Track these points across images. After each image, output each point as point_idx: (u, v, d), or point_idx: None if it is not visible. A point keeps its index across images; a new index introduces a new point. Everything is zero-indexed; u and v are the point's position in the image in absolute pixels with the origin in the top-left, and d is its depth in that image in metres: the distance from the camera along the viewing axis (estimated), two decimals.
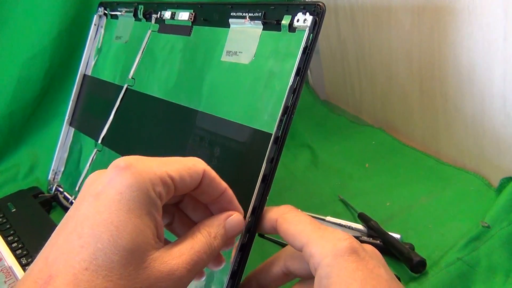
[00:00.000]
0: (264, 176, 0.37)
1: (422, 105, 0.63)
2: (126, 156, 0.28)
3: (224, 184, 0.33)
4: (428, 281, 0.41)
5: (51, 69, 0.75)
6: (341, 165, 0.66)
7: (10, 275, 0.49)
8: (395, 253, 0.45)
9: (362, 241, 0.48)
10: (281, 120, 0.38)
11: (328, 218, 0.52)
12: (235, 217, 0.33)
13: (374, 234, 0.48)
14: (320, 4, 0.38)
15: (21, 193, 0.69)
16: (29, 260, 0.52)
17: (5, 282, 0.48)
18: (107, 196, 0.26)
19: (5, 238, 0.56)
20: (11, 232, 0.58)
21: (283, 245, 0.51)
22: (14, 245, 0.55)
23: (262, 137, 0.39)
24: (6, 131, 0.76)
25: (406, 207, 0.53)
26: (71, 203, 0.65)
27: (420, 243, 0.46)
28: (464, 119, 0.57)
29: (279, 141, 0.38)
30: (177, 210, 0.35)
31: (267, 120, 0.40)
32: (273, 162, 0.37)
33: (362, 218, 0.51)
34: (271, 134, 0.38)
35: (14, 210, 0.64)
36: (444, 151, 0.62)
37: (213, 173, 0.32)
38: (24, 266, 0.51)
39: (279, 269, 0.36)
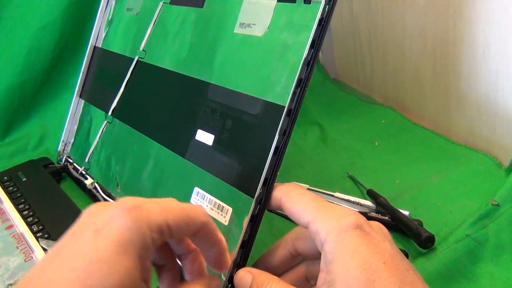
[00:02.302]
0: (276, 148, 0.37)
1: (435, 83, 0.62)
2: (133, 198, 0.28)
3: (220, 237, 0.33)
4: (436, 256, 0.41)
5: (61, 40, 0.74)
6: (350, 142, 0.66)
7: (22, 241, 0.50)
8: (403, 229, 0.45)
9: (370, 217, 0.48)
10: (294, 93, 0.37)
11: (337, 194, 0.53)
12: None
13: (383, 211, 0.49)
14: None
15: (32, 163, 0.69)
16: (40, 227, 0.52)
17: (17, 247, 0.49)
18: (107, 234, 0.26)
19: (16, 206, 0.57)
20: (22, 200, 0.59)
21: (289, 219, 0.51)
22: (25, 212, 0.56)
23: (274, 109, 0.39)
24: (16, 102, 0.76)
25: (416, 185, 0.53)
26: (81, 174, 0.65)
27: (428, 220, 0.47)
28: (477, 98, 0.56)
29: (292, 113, 0.37)
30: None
31: (280, 93, 0.39)
32: (286, 135, 0.37)
33: (371, 194, 0.51)
34: (284, 106, 0.38)
35: (25, 179, 0.64)
36: (455, 130, 0.62)
37: (212, 226, 0.32)
38: (35, 233, 0.51)
39: (287, 250, 0.36)
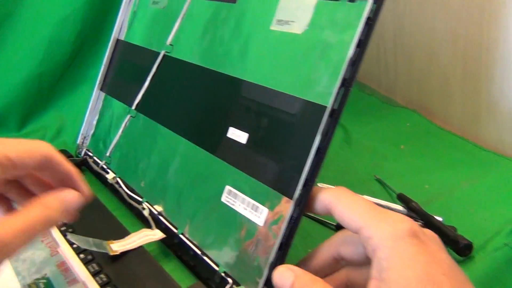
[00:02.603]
0: (317, 149, 0.36)
1: (464, 87, 0.61)
2: None
3: (70, 168, 0.34)
4: (474, 265, 0.40)
5: (82, 31, 0.73)
6: (374, 145, 0.65)
7: (46, 234, 0.49)
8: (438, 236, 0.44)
9: None
10: (338, 93, 0.36)
11: (365, 197, 0.52)
12: (72, 192, 0.33)
13: (415, 216, 0.48)
14: None
15: None
16: (66, 227, 0.52)
17: (41, 241, 0.48)
18: None
19: None
20: None
21: (323, 222, 0.50)
22: None
23: (315, 109, 0.38)
24: (35, 92, 0.75)
25: (446, 190, 0.52)
26: (102, 168, 0.64)
27: (462, 227, 0.46)
28: (509, 103, 0.55)
29: (335, 114, 0.37)
30: (16, 185, 0.35)
31: (321, 92, 0.38)
32: (327, 135, 0.37)
33: (402, 199, 0.50)
34: (325, 106, 0.37)
35: None
36: (484, 136, 0.61)
37: (58, 157, 0.33)
38: (59, 227, 0.50)
39: (330, 254, 0.35)
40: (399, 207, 0.50)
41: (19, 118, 0.77)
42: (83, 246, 0.45)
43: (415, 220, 0.47)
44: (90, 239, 0.46)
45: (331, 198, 0.33)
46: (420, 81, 0.69)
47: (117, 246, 0.45)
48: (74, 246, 0.47)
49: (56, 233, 0.49)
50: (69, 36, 0.73)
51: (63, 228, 0.50)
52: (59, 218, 0.32)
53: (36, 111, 0.78)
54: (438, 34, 0.63)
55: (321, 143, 0.36)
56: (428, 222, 0.46)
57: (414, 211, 0.47)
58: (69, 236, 0.46)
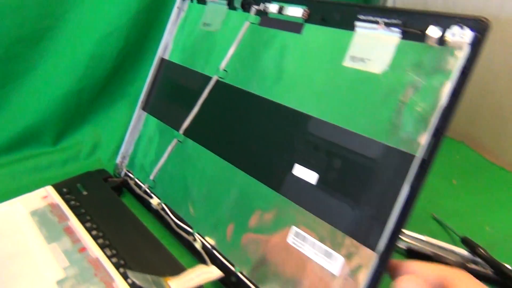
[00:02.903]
0: (405, 200, 0.35)
1: None
2: None
3: None
4: None
5: (124, 48, 0.72)
6: None
7: (99, 268, 0.47)
8: (510, 286, 0.42)
9: (469, 270, 0.45)
10: (429, 143, 0.35)
11: (426, 239, 0.50)
12: None
13: (480, 262, 0.46)
14: (483, 20, 0.35)
15: (90, 175, 0.67)
16: (113, 252, 0.50)
17: (95, 274, 0.46)
18: None
19: (83, 225, 0.55)
20: (87, 218, 0.56)
21: None
22: (94, 233, 0.53)
23: (401, 157, 0.37)
24: (73, 108, 0.74)
25: (510, 234, 0.51)
26: (145, 192, 0.63)
27: None
28: None
29: (425, 164, 0.35)
30: None
31: (406, 139, 0.37)
32: (417, 186, 0.35)
33: (467, 243, 0.48)
34: (413, 155, 0.35)
35: (86, 193, 0.62)
36: None
37: None
38: (110, 258, 0.49)
39: None
40: (463, 251, 0.48)
41: (55, 133, 0.75)
42: (142, 284, 0.43)
43: (483, 268, 0.45)
44: (148, 276, 0.44)
45: (451, 277, 0.31)
46: (471, 113, 0.68)
47: (176, 285, 0.43)
48: (129, 280, 0.46)
49: (107, 265, 0.47)
50: (111, 52, 0.71)
51: (114, 260, 0.49)
52: None
53: (72, 127, 0.76)
54: (494, 67, 0.61)
55: (410, 194, 0.35)
56: (498, 270, 0.44)
57: (482, 258, 0.46)
58: (128, 273, 0.45)
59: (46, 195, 0.61)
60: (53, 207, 0.58)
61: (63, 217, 0.56)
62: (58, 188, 0.63)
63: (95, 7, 0.69)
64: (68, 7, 0.69)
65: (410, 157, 0.36)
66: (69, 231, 0.54)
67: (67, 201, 0.60)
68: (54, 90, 0.72)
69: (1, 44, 0.67)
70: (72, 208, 0.58)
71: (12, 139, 0.72)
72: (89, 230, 0.54)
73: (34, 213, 0.57)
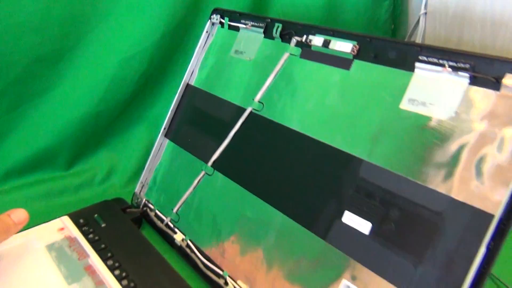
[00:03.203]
0: (482, 263, 0.32)
1: None
2: None
3: None
4: None
5: (147, 71, 0.69)
6: None
7: None
8: None
9: None
10: (508, 202, 0.32)
11: None
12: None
13: None
14: None
15: (107, 205, 0.63)
16: None
17: None
18: None
19: (105, 263, 0.51)
20: (109, 255, 0.53)
21: None
22: (116, 272, 0.50)
23: (472, 213, 0.34)
24: (89, 132, 0.70)
25: None
26: (167, 226, 0.59)
27: None
28: None
29: (505, 226, 0.32)
30: None
31: (479, 194, 0.34)
32: (495, 249, 0.32)
33: None
34: (491, 214, 0.33)
35: (104, 225, 0.58)
36: None
37: None
38: None
39: None
40: None
41: (69, 157, 0.72)
42: None
43: None
44: None
45: None
46: None
47: None
48: None
49: None
50: (133, 76, 0.68)
51: (124, 283, 0.45)
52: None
53: (87, 151, 0.73)
54: None
55: (487, 257, 0.32)
56: None
57: None
58: None
59: (63, 227, 0.57)
60: (71, 241, 0.55)
61: (83, 254, 0.52)
62: (74, 218, 0.59)
63: (119, 28, 0.66)
64: (91, 28, 0.66)
65: (486, 215, 0.33)
66: (90, 270, 0.50)
67: (85, 234, 0.56)
68: (71, 112, 0.68)
69: (19, 64, 0.64)
70: (91, 242, 0.54)
71: (24, 162, 0.69)
72: (111, 269, 0.50)
73: (51, 248, 0.53)
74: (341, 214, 0.42)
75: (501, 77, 0.35)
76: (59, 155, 0.71)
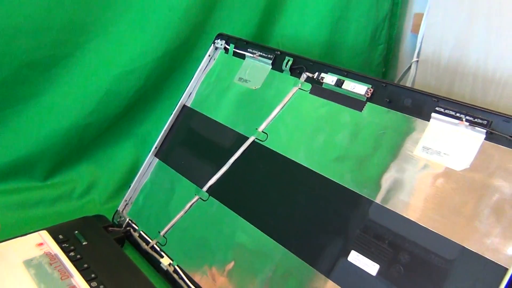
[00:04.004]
0: None
1: None
2: None
3: None
4: None
5: (142, 88, 0.68)
6: None
7: None
8: None
9: None
10: None
11: None
12: None
13: None
14: None
15: (88, 222, 0.61)
16: None
17: None
18: None
19: (88, 283, 0.48)
20: (92, 275, 0.50)
21: None
22: None
23: (484, 264, 0.35)
24: (74, 143, 0.68)
25: None
26: (153, 248, 0.57)
27: None
28: None
29: None
30: None
31: (491, 246, 0.35)
32: None
33: None
34: (502, 266, 0.34)
35: (86, 243, 0.56)
36: None
37: None
38: None
39: None
40: None
41: (49, 167, 0.69)
42: None
43: None
44: None
45: None
46: None
47: None
48: None
49: None
50: (128, 91, 0.67)
51: None
52: None
53: (69, 162, 0.70)
54: None
55: None
56: None
57: None
58: None
59: (42, 242, 0.54)
60: (52, 258, 0.52)
61: (65, 273, 0.50)
62: (53, 234, 0.56)
63: (120, 42, 0.65)
64: (90, 38, 0.64)
65: (499, 268, 0.34)
66: None
67: (66, 252, 0.53)
68: (57, 121, 0.66)
69: (7, 66, 0.61)
70: (73, 261, 0.52)
71: (1, 169, 0.65)
72: None
73: (29, 264, 0.50)
74: (347, 253, 0.42)
75: None
76: (38, 165, 0.68)
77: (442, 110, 0.41)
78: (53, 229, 0.57)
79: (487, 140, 0.39)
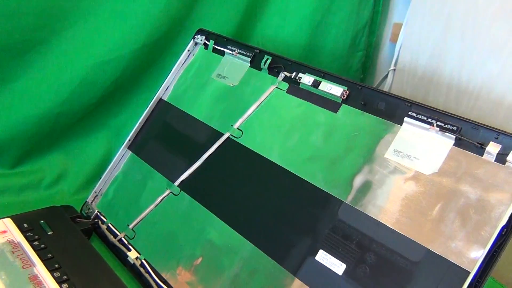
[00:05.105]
0: None
1: None
2: None
3: None
4: None
5: (119, 80, 0.66)
6: None
7: None
8: None
9: None
10: (484, 261, 0.34)
11: None
12: None
13: None
14: None
15: (55, 212, 0.59)
16: None
17: None
18: None
19: (52, 274, 0.47)
20: (56, 266, 0.49)
21: None
22: (64, 286, 0.46)
23: (450, 269, 0.35)
24: (45, 132, 0.66)
25: None
26: (120, 241, 0.56)
27: None
28: None
29: (478, 282, 0.34)
30: None
31: (454, 250, 0.36)
32: None
33: None
34: (467, 271, 0.34)
35: (51, 233, 0.54)
36: None
37: None
38: None
39: None
40: None
41: (17, 155, 0.67)
42: None
43: None
44: None
45: None
46: None
47: None
48: None
49: None
50: (104, 81, 0.66)
51: None
52: None
53: (39, 151, 0.68)
54: None
55: None
56: None
57: None
58: None
59: (5, 230, 0.53)
60: (14, 246, 0.51)
61: (27, 262, 0.48)
62: (18, 222, 0.55)
63: (98, 31, 0.64)
64: (68, 24, 0.63)
65: (461, 271, 0.35)
66: (35, 281, 0.46)
67: (30, 241, 0.52)
68: (29, 108, 0.64)
69: None
70: (36, 250, 0.51)
71: None
72: (58, 281, 0.47)
73: None
74: (315, 252, 0.42)
75: (486, 143, 0.37)
76: (6, 152, 0.66)
77: (414, 115, 0.42)
78: (17, 218, 0.55)
79: (456, 146, 0.39)
